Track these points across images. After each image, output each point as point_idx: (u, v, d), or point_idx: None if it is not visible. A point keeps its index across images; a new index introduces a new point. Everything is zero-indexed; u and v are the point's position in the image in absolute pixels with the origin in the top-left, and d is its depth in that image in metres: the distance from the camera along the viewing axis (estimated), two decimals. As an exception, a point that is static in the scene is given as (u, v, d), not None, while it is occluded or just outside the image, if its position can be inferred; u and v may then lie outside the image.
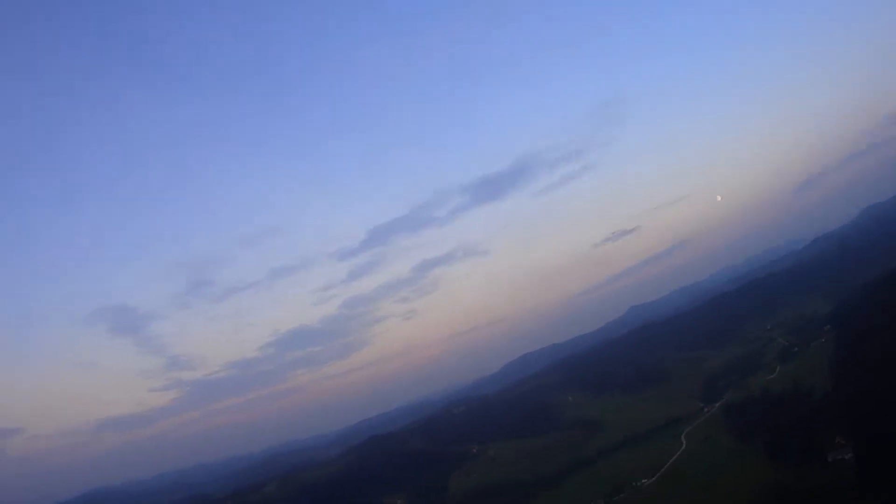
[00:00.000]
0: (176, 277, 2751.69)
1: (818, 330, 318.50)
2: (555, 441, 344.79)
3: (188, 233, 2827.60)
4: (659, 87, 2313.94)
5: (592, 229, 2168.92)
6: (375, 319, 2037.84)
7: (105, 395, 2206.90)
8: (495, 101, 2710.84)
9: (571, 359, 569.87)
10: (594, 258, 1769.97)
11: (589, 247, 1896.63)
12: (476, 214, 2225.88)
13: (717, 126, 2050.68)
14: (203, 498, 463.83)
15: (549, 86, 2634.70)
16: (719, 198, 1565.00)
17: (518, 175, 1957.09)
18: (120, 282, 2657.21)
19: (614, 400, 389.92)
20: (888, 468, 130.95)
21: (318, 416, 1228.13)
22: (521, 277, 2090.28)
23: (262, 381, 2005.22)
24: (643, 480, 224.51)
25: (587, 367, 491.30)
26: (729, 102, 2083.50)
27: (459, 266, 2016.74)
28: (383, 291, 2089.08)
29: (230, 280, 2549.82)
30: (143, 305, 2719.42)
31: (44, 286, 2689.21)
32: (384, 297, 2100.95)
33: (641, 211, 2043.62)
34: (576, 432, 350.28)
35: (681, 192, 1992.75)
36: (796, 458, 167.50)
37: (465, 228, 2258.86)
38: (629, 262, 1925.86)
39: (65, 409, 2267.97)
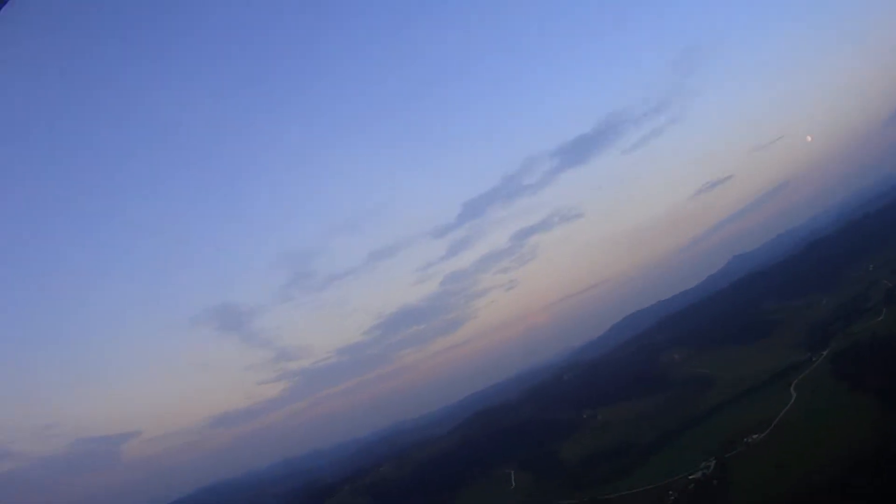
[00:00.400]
0: (276, 272, 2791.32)
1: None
2: (664, 401, 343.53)
3: (283, 227, 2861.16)
4: (740, 30, 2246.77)
5: (685, 182, 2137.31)
6: (477, 293, 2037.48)
7: (216, 393, 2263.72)
8: (576, 61, 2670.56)
9: (676, 315, 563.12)
10: (690, 211, 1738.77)
11: (683, 200, 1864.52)
12: (567, 178, 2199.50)
13: (802, 63, 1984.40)
14: (319, 483, 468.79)
15: (628, 38, 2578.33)
16: (810, 138, 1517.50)
17: (605, 134, 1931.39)
18: (221, 282, 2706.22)
19: (721, 354, 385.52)
20: None
21: (427, 393, 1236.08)
22: (619, 237, 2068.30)
23: (369, 365, 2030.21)
24: (754, 436, 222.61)
25: (692, 323, 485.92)
26: (813, 36, 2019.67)
27: (556, 232, 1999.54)
28: (483, 264, 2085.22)
29: (329, 268, 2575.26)
30: (247, 302, 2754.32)
31: (148, 293, 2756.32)
32: (484, 269, 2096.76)
33: (733, 159, 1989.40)
34: (685, 390, 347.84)
35: (771, 136, 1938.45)
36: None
37: (557, 193, 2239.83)
38: (725, 213, 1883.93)
39: (178, 410, 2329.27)
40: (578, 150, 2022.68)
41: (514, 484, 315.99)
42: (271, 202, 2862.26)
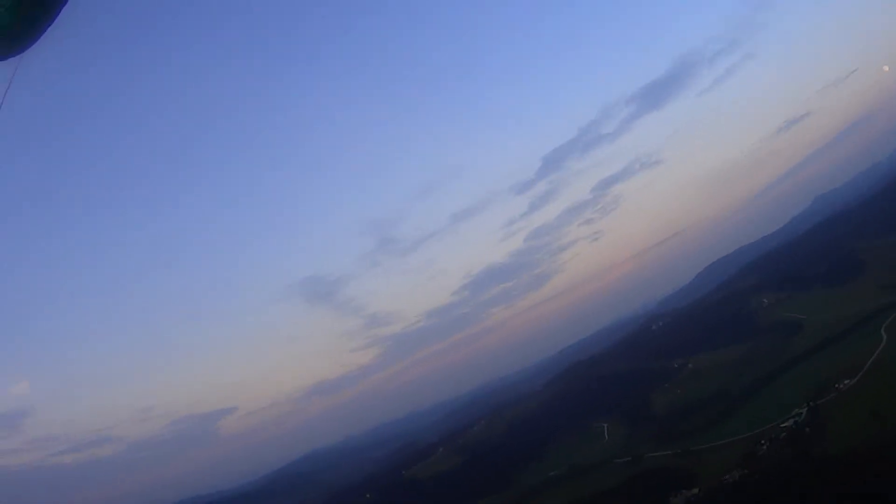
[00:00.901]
0: (361, 240, 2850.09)
1: None
2: (753, 347, 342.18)
3: (366, 196, 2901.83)
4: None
5: (762, 122, 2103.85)
6: (562, 246, 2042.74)
7: (309, 363, 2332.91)
8: (643, 4, 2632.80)
9: (762, 259, 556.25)
10: (769, 152, 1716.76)
11: (762, 141, 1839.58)
12: (644, 124, 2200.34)
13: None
14: (415, 445, 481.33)
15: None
16: (886, 68, 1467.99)
17: (679, 77, 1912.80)
18: (308, 255, 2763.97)
19: (809, 297, 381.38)
20: None
21: (519, 350, 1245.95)
22: (700, 182, 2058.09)
23: (460, 325, 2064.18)
24: (845, 381, 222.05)
25: (778, 267, 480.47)
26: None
27: (637, 179, 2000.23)
28: (566, 217, 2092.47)
29: (414, 232, 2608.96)
30: (334, 272, 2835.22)
31: (236, 272, 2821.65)
32: (568, 222, 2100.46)
33: (809, 95, 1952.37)
34: (773, 336, 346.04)
35: (847, 68, 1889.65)
36: None
37: (635, 141, 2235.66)
38: (806, 151, 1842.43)
39: (273, 383, 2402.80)
40: (653, 95, 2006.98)
41: (606, 437, 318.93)
42: (353, 171, 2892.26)
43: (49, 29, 17.05)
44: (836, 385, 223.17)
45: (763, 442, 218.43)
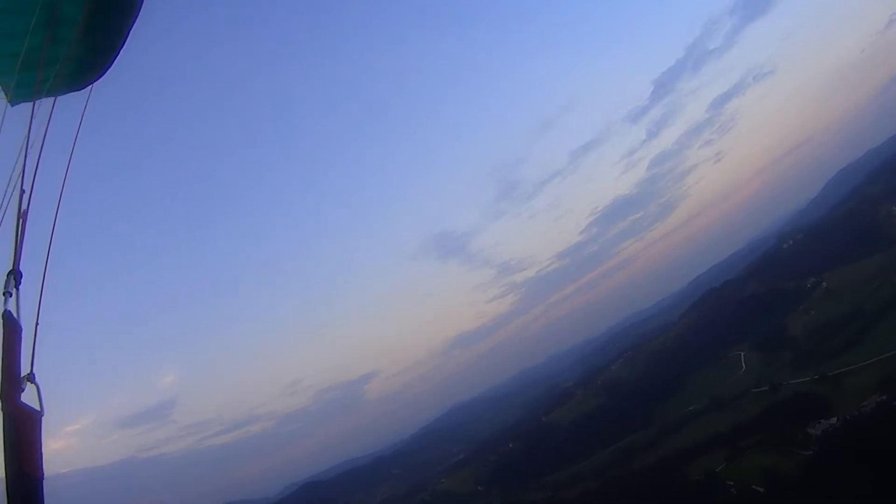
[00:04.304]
0: (484, 189, 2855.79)
1: None
2: (887, 260, 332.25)
3: (483, 143, 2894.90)
4: None
5: (875, 12, 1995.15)
6: (686, 171, 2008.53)
7: (447, 319, 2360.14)
8: None
9: (890, 163, 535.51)
10: (886, 45, 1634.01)
11: (876, 33, 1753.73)
12: (752, 33, 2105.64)
13: None
14: (554, 390, 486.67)
15: None
16: None
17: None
18: (433, 212, 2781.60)
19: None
20: None
21: (652, 283, 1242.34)
22: (817, 87, 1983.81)
23: (592, 263, 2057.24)
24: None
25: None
26: None
27: (752, 92, 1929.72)
28: (686, 140, 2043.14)
29: (535, 175, 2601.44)
30: (461, 226, 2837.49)
31: (370, 236, 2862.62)
32: (688, 146, 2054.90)
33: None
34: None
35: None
36: None
37: (745, 52, 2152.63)
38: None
39: (413, 342, 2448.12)
40: (755, 1, 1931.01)
41: (744, 366, 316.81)
42: (468, 123, 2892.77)
43: (119, 57, 17.32)
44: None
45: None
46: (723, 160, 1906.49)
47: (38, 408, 10.61)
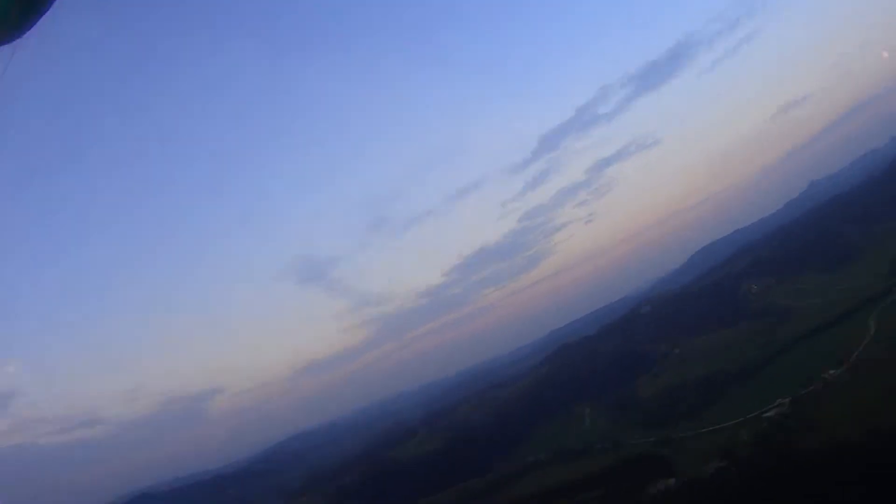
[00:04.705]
0: (354, 218, 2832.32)
1: None
2: (743, 333, 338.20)
3: (359, 173, 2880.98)
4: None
5: (761, 104, 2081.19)
6: (556, 227, 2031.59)
7: (300, 343, 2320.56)
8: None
9: (754, 243, 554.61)
10: (767, 134, 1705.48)
11: (760, 123, 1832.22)
12: (642, 105, 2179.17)
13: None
14: (400, 426, 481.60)
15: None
16: (885, 55, 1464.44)
17: (678, 57, 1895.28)
18: (300, 235, 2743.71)
19: (800, 283, 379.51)
20: None
21: (509, 333, 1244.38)
22: (696, 164, 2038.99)
23: (451, 306, 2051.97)
24: (831, 371, 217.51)
25: (771, 251, 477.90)
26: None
27: (633, 161, 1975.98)
28: (560, 198, 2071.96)
29: (407, 212, 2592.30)
30: (326, 252, 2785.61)
31: (226, 252, 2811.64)
32: (562, 203, 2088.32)
33: (809, 78, 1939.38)
34: (762, 322, 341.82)
35: (846, 53, 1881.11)
36: None
37: (632, 121, 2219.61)
38: (803, 135, 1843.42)
39: (263, 363, 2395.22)
40: (652, 76, 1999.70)
41: (589, 422, 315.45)
42: (346, 148, 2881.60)
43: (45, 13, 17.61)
44: (822, 375, 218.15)
45: (744, 432, 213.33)
46: (594, 222, 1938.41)
47: None
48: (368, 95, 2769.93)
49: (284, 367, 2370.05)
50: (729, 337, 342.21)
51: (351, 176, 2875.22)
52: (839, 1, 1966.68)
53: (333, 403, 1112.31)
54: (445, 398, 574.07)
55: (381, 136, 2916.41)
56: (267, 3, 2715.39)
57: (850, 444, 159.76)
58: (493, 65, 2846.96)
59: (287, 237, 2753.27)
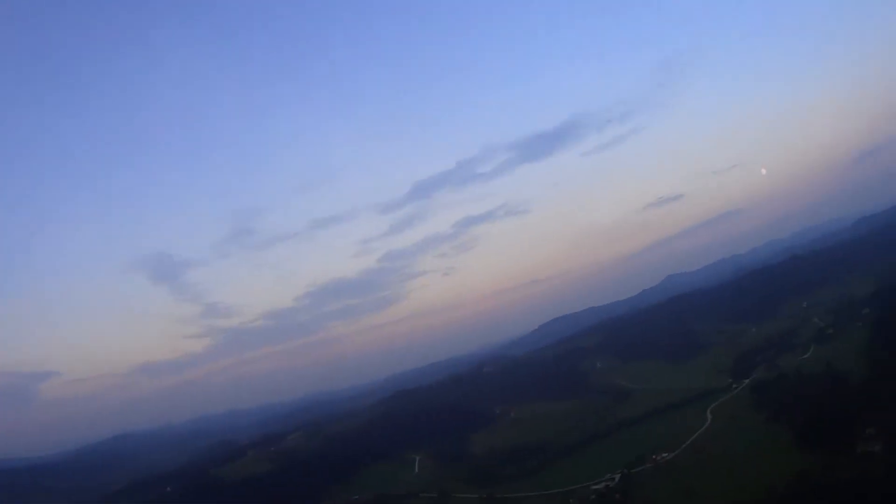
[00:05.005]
0: (217, 226, 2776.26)
1: (857, 313, 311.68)
2: (581, 406, 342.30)
3: (231, 181, 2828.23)
4: (718, 54, 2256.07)
5: (637, 194, 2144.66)
6: (413, 274, 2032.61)
7: (142, 341, 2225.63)
8: (550, 57, 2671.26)
9: (606, 324, 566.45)
10: (636, 223, 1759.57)
11: (632, 211, 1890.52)
12: (522, 172, 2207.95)
13: (774, 97, 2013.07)
14: (229, 444, 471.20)
15: (606, 44, 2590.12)
16: (764, 171, 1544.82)
17: (567, 134, 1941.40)
18: (161, 230, 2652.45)
19: (644, 368, 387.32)
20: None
21: (350, 368, 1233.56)
22: (562, 239, 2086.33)
23: (297, 332, 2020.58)
24: (664, 454, 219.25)
25: (621, 333, 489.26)
26: (789, 72, 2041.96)
27: (501, 224, 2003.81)
28: (423, 246, 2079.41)
29: (272, 229, 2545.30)
30: (184, 253, 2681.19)
31: (86, 234, 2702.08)
32: (423, 252, 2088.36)
33: (687, 178, 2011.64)
34: (603, 399, 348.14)
35: (728, 162, 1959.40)
36: (824, 446, 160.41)
37: (509, 186, 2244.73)
38: (671, 230, 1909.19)
39: (102, 354, 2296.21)
40: (538, 146, 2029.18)
41: (417, 470, 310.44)
42: (220, 153, 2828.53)
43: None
44: (654, 456, 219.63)
45: (571, 501, 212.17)
46: (451, 275, 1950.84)
47: None
48: (251, 102, 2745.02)
49: (122, 363, 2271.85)
50: (567, 408, 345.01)
51: (222, 180, 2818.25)
52: (727, 116, 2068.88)
53: (165, 409, 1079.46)
54: (278, 423, 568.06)
55: (260, 146, 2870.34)
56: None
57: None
58: (383, 101, 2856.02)
59: (147, 229, 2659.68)
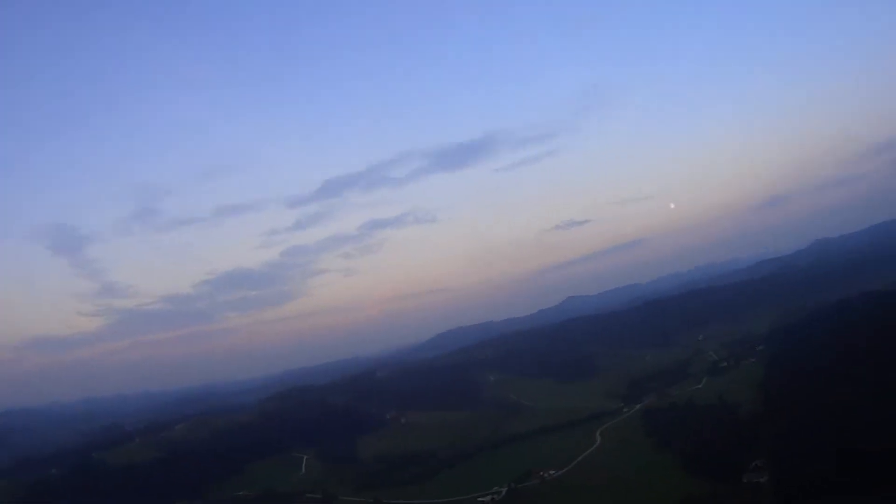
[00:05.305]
0: (123, 202, 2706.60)
1: (751, 349, 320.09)
2: (472, 418, 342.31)
3: (140, 157, 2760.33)
4: (641, 87, 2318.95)
5: (545, 215, 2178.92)
6: (315, 272, 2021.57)
7: (34, 314, 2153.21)
8: (477, 70, 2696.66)
9: (503, 339, 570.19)
10: (541, 244, 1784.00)
11: (538, 231, 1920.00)
12: (433, 181, 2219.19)
13: (691, 134, 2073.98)
14: (117, 428, 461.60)
15: (534, 65, 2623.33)
16: (672, 205, 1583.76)
17: (483, 148, 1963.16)
18: (65, 200, 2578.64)
19: (537, 386, 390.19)
20: (803, 499, 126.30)
21: (243, 361, 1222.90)
22: (467, 252, 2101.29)
23: (193, 319, 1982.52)
24: (551, 471, 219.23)
25: (516, 350, 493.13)
26: (708, 113, 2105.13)
27: (407, 231, 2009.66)
28: (327, 245, 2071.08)
29: (177, 211, 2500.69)
30: (86, 226, 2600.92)
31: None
32: (327, 250, 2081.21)
33: (596, 204, 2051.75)
34: (495, 412, 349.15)
35: (639, 193, 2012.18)
36: (711, 474, 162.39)
37: (419, 193, 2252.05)
38: (575, 254, 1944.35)
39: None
40: (453, 157, 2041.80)
41: (304, 470, 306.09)
42: (129, 128, 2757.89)
43: None
44: (542, 473, 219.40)
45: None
46: (353, 276, 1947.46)
47: None
48: (166, 78, 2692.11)
49: (11, 335, 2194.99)
50: (458, 418, 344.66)
51: (131, 155, 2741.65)
52: (643, 148, 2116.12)
53: (53, 387, 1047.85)
54: (168, 410, 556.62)
55: (172, 125, 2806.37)
56: None
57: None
58: (302, 94, 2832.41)
59: (50, 197, 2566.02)
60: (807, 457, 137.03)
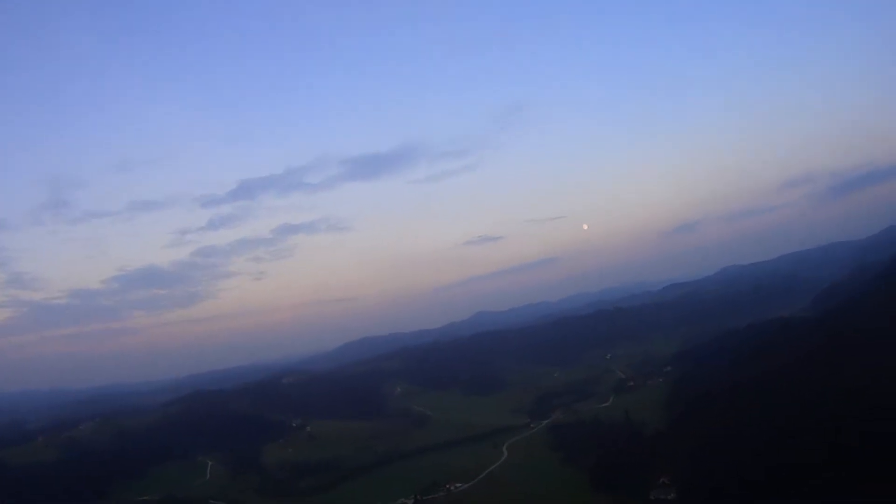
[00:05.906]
0: (34, 191, 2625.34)
1: (658, 369, 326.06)
2: (378, 429, 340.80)
3: (53, 146, 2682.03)
4: (561, 107, 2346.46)
5: (459, 229, 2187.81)
6: (225, 274, 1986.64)
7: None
8: (399, 80, 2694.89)
9: (411, 350, 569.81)
10: (454, 257, 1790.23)
11: (451, 245, 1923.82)
12: (349, 189, 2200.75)
13: (607, 157, 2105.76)
14: (18, 426, 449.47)
15: (456, 80, 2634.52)
16: (586, 226, 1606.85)
17: (401, 159, 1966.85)
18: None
19: (444, 398, 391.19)
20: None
21: (151, 361, 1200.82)
22: (379, 261, 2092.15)
23: (100, 316, 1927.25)
24: (458, 484, 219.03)
25: (424, 362, 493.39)
26: (626, 139, 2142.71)
27: (320, 237, 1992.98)
28: (239, 247, 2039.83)
29: (89, 204, 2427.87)
30: None
31: None
32: (239, 253, 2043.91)
33: (510, 221, 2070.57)
34: (401, 423, 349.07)
35: (553, 213, 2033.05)
36: (618, 490, 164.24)
37: (334, 201, 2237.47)
38: (487, 269, 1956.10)
39: None
40: (370, 166, 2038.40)
41: (208, 475, 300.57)
42: (44, 113, 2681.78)
43: None
44: (448, 485, 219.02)
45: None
46: (263, 281, 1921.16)
47: None
48: (84, 65, 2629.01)
49: None
50: (364, 428, 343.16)
51: (45, 142, 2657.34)
52: (561, 168, 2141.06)
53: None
54: (71, 409, 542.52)
55: (88, 113, 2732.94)
56: None
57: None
58: (221, 92, 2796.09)
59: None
60: (711, 474, 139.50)
